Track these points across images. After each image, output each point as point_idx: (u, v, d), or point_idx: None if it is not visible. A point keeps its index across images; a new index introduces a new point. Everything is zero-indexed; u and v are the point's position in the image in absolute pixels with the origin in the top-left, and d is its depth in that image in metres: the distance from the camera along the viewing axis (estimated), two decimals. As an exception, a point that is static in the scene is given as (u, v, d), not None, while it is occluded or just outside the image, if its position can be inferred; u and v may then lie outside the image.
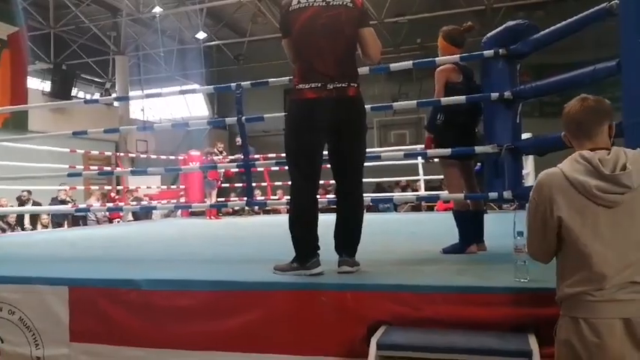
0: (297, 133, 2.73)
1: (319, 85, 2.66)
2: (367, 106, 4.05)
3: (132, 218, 11.16)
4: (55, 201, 10.85)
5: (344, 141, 2.77)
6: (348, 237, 2.79)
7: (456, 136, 3.42)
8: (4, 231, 9.74)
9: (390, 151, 9.22)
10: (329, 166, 2.88)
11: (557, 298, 1.74)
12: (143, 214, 10.94)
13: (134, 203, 10.12)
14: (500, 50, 3.23)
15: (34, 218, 11.02)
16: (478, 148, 3.32)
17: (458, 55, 3.48)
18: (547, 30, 3.12)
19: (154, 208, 7.76)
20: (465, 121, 3.46)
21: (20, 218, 10.58)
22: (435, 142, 3.49)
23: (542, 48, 3.26)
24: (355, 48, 2.80)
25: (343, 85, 2.70)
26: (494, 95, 3.23)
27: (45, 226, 10.73)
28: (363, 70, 3.81)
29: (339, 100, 2.69)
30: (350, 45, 2.77)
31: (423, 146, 3.73)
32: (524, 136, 3.73)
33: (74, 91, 15.85)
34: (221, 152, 9.85)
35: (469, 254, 3.36)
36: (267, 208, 9.56)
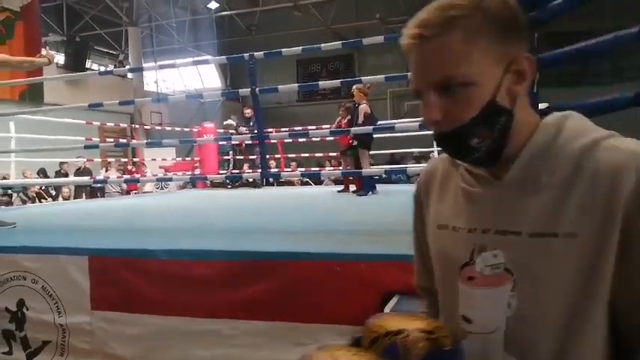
0: None
1: None
2: (381, 76, 4.03)
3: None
4: (79, 172, 11.00)
5: None
6: None
7: None
8: (24, 203, 9.93)
9: (405, 122, 9.13)
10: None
11: None
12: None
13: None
14: (518, 18, 3.15)
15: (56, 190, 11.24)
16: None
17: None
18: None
19: (170, 179, 7.81)
20: None
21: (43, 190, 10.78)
22: None
23: (561, 15, 3.17)
24: None
25: None
26: (511, 64, 3.16)
27: (66, 198, 10.91)
28: (377, 38, 3.77)
29: None
30: None
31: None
32: (541, 106, 3.67)
33: (88, 64, 15.90)
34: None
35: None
36: (281, 180, 9.60)
